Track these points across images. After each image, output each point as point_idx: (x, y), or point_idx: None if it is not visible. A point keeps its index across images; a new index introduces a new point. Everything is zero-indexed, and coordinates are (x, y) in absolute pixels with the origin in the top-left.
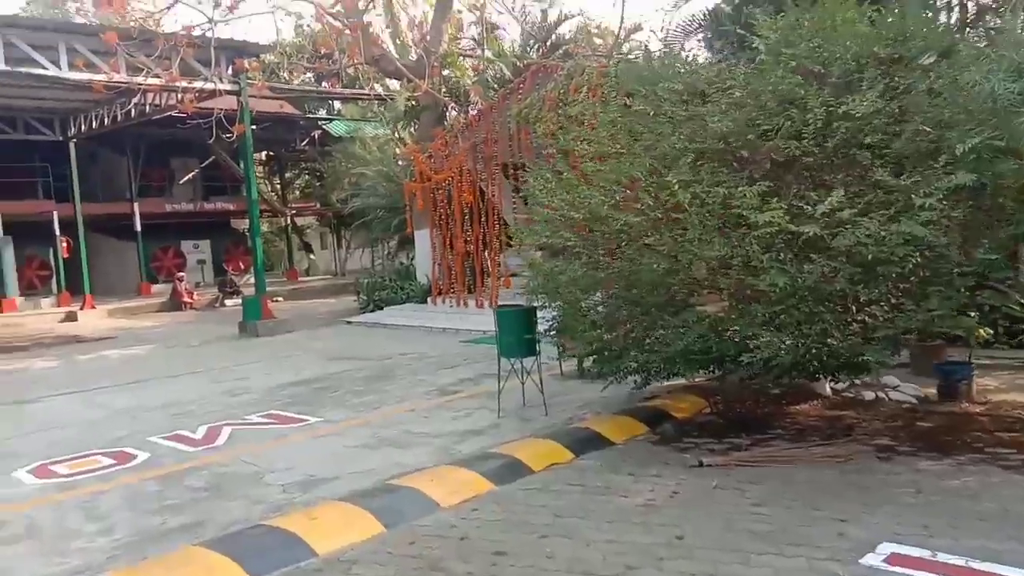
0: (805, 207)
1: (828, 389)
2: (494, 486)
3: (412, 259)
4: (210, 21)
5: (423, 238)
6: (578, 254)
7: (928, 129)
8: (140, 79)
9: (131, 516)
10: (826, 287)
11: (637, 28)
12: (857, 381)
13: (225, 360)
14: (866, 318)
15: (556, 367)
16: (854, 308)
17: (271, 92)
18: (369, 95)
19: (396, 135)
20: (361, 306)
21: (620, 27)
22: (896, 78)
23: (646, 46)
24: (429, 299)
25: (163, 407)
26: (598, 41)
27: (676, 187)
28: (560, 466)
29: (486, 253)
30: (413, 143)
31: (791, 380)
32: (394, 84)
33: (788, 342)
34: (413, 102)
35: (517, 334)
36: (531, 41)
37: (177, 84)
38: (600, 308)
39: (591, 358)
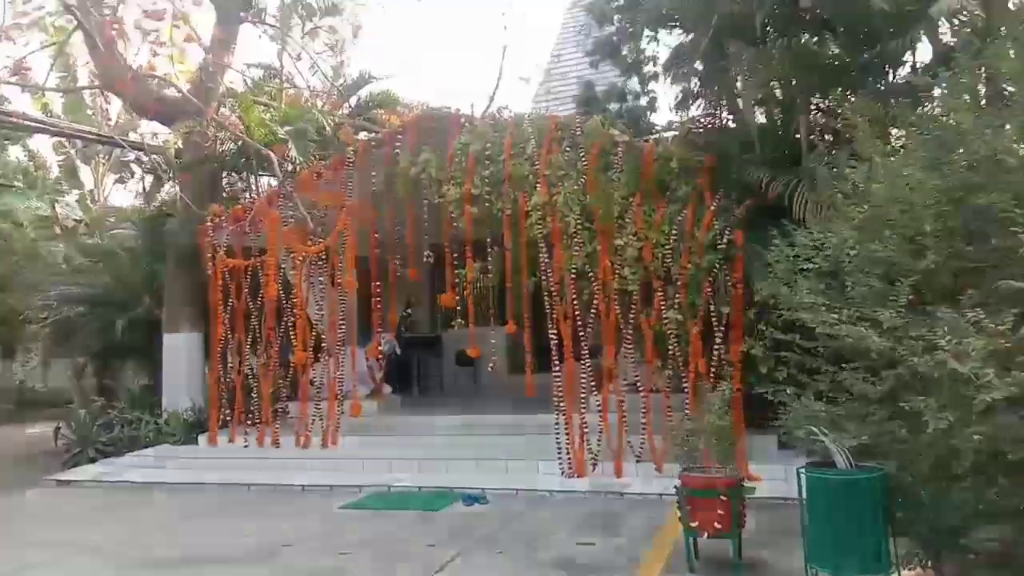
0: None
1: None
2: None
3: (139, 382)
4: None
5: (181, 346)
6: None
7: None
8: None
9: None
10: None
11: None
12: None
13: None
14: None
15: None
16: None
17: None
18: (103, 136)
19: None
20: (69, 451)
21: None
22: None
23: None
24: (202, 438)
25: None
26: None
27: None
28: None
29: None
30: (164, 209)
31: None
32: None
33: None
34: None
35: (862, 524)
36: (324, 99)
37: None
38: None
39: None
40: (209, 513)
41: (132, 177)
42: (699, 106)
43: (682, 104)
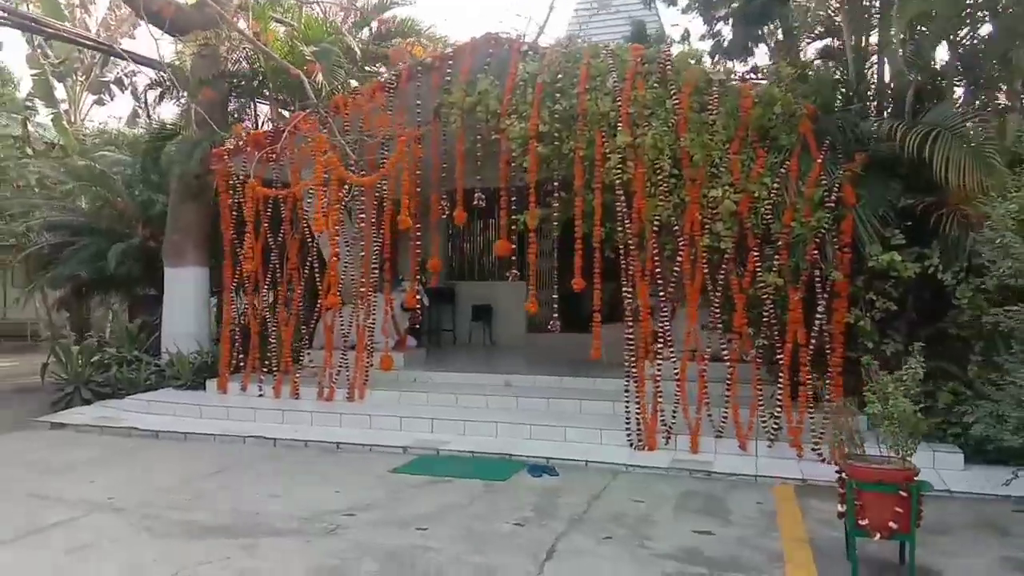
0: None
1: None
2: None
3: (123, 317)
4: None
5: (186, 281)
6: None
7: None
8: None
9: None
10: None
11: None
12: None
13: None
14: None
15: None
16: None
17: None
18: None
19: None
20: (62, 390)
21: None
22: None
23: None
24: (211, 383)
25: None
26: (426, 43)
27: None
28: None
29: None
30: (167, 130)
31: None
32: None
33: None
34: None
35: None
36: (348, 22)
37: None
38: None
39: None
40: (238, 469)
41: (112, 99)
42: (763, 52)
43: (747, 49)
